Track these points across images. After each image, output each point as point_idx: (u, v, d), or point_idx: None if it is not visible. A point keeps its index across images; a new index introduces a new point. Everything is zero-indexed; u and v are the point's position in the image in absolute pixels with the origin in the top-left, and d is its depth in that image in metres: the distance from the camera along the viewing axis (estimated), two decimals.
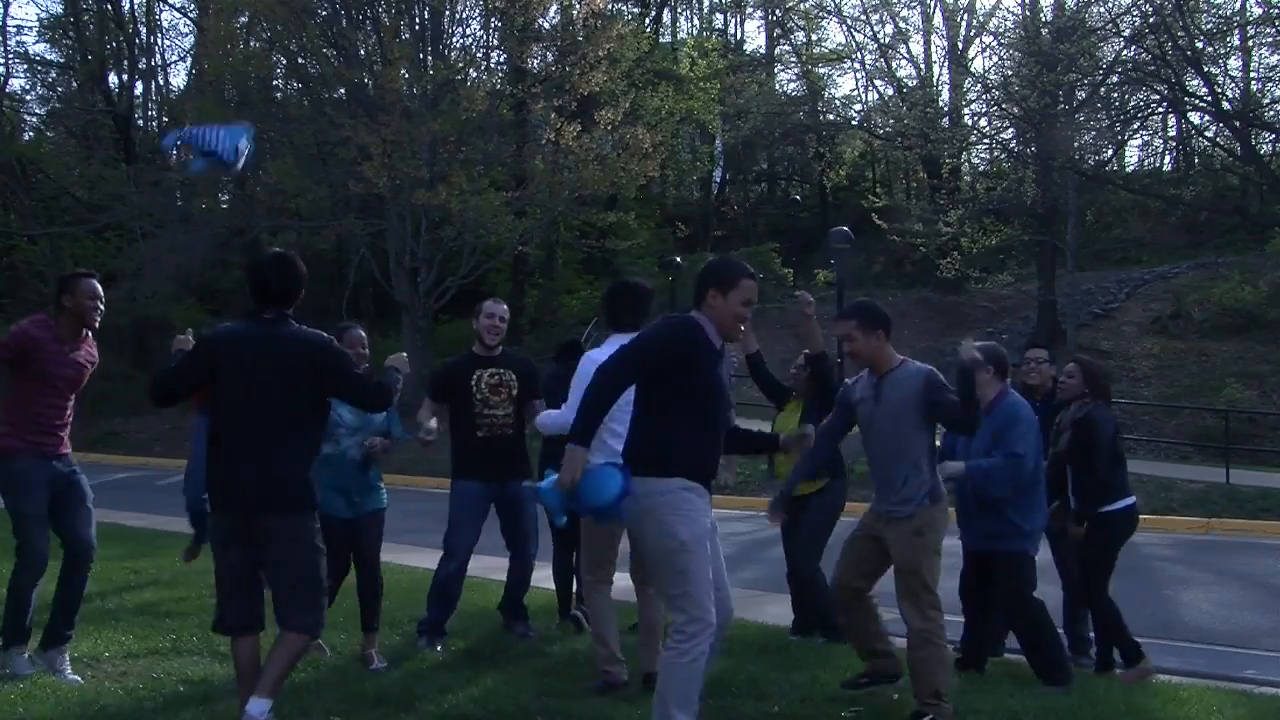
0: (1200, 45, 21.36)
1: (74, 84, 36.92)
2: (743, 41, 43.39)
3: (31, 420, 5.20)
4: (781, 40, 40.88)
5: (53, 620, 5.33)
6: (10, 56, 36.59)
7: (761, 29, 43.32)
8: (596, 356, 4.97)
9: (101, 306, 5.34)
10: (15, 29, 54.26)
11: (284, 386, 4.23)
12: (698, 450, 4.12)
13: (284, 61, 26.63)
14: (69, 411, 5.35)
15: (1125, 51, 22.85)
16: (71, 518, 5.31)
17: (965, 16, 32.92)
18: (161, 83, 38.71)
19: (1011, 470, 5.35)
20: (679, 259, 28.56)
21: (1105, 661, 5.97)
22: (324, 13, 24.42)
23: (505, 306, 6.50)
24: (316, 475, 4.39)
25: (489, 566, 7.39)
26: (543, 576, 7.82)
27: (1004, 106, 25.39)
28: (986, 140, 29.31)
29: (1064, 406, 6.07)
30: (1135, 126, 26.61)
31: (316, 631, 4.41)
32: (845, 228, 19.37)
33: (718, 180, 39.80)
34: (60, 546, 5.35)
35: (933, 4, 33.79)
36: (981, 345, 5.43)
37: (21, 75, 39.19)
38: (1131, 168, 35.93)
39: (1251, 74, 27.34)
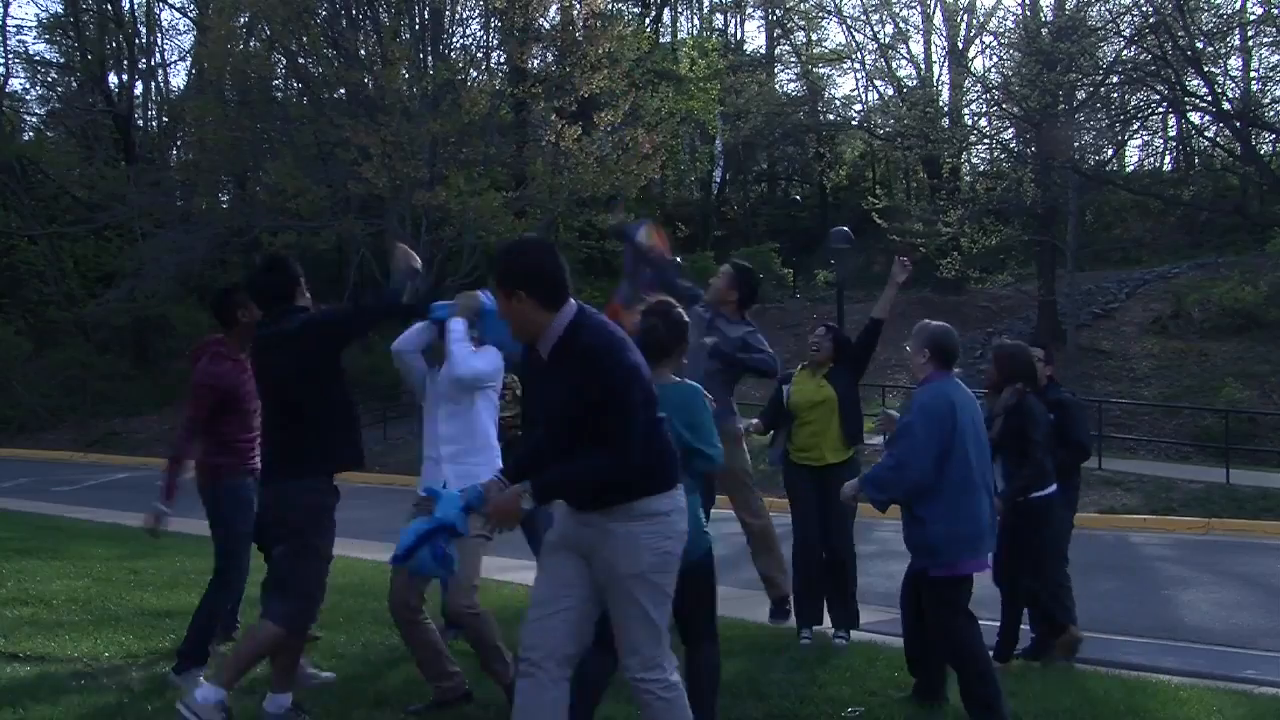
0: (1200, 45, 21.34)
1: (74, 84, 36.86)
2: (743, 41, 43.42)
3: (231, 441, 5.19)
4: (781, 40, 40.89)
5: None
6: (10, 56, 36.60)
7: (761, 29, 43.37)
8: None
9: None
10: (15, 29, 54.27)
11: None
12: None
13: (284, 61, 26.59)
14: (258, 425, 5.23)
15: (1125, 51, 22.83)
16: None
17: (965, 16, 32.98)
18: (161, 83, 38.67)
19: (896, 474, 4.82)
20: (679, 259, 28.52)
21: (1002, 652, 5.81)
22: (324, 13, 24.40)
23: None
24: None
25: (489, 567, 7.36)
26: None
27: (1004, 106, 25.39)
28: (986, 140, 29.33)
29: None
30: (1135, 126, 26.60)
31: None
32: (845, 228, 19.30)
33: (718, 180, 39.80)
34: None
35: (933, 4, 33.84)
36: (934, 326, 5.00)
37: (21, 75, 39.26)
38: (1131, 168, 35.90)
39: (1251, 74, 27.36)
